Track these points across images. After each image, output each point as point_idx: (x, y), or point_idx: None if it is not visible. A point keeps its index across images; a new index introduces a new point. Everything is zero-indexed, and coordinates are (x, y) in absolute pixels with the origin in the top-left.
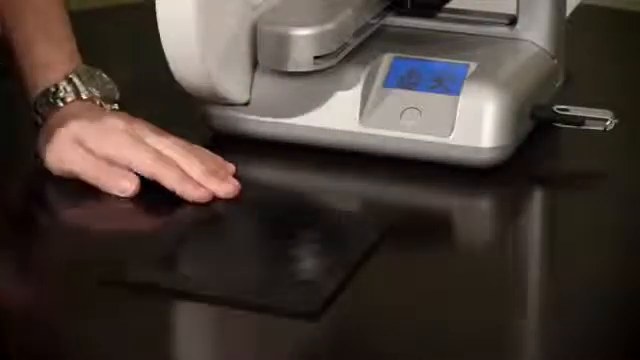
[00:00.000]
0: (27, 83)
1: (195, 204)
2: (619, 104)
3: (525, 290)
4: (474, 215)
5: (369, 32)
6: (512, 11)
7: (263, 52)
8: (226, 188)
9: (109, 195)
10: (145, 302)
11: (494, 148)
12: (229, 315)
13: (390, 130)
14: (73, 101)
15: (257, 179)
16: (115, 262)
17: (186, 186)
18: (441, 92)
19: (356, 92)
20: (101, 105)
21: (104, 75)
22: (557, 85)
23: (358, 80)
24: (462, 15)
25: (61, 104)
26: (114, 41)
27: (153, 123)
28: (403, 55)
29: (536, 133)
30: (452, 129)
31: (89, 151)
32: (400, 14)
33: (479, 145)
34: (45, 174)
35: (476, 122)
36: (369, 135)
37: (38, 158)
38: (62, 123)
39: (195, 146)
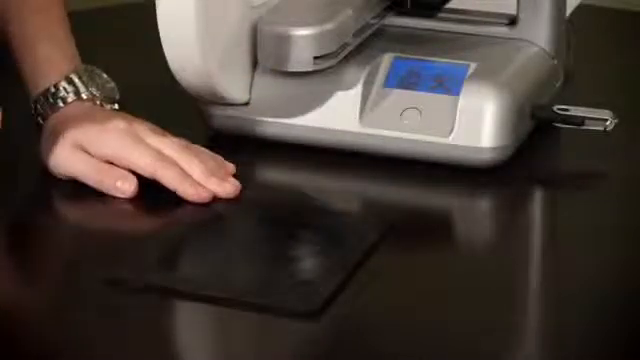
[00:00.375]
0: (27, 83)
1: (195, 204)
2: (619, 104)
3: (525, 290)
4: (474, 215)
5: (369, 32)
6: (512, 11)
7: (263, 52)
8: (226, 188)
9: (109, 195)
10: (145, 302)
11: (494, 148)
12: (229, 315)
13: (390, 130)
14: (73, 101)
15: (257, 179)
16: (115, 262)
17: (186, 186)
18: (441, 92)
19: (356, 92)
20: (101, 105)
21: (104, 75)
22: (557, 85)
23: (358, 80)
24: (462, 15)
25: (61, 104)
26: (114, 41)
27: (153, 123)
28: (403, 55)
29: (536, 133)
30: (452, 129)
31: (89, 154)
32: (400, 14)
33: (479, 145)
34: (45, 174)
35: (476, 122)
36: (369, 135)
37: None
38: (62, 126)
39: (195, 146)
